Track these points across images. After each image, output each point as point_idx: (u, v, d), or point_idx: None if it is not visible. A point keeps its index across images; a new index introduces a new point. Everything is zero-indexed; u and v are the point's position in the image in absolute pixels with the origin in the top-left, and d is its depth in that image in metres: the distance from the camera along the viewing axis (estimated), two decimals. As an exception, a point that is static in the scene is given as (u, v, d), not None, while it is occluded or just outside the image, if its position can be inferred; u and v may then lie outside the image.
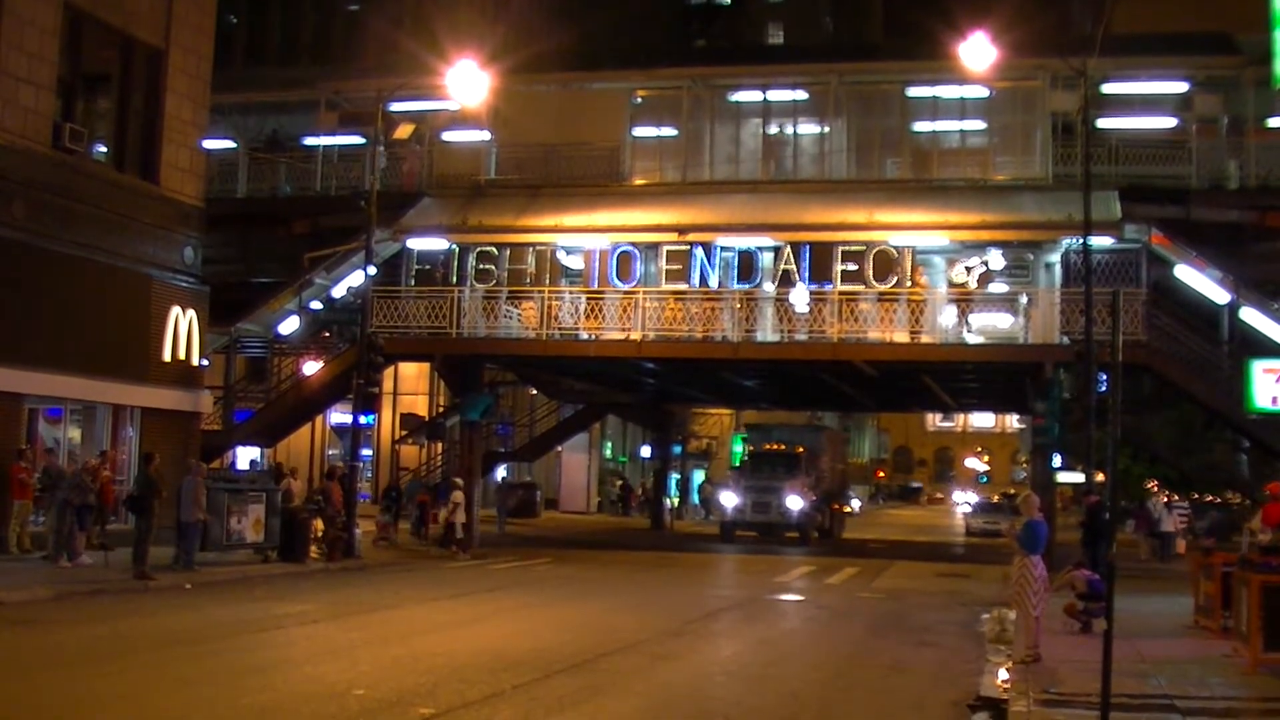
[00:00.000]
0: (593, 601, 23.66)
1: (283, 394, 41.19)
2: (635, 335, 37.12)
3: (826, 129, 40.68)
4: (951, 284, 36.57)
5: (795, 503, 43.96)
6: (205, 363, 33.28)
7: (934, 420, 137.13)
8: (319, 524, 29.96)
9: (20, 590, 20.42)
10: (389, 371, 44.68)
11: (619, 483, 68.67)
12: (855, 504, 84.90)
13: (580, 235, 38.36)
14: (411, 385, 55.11)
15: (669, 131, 41.95)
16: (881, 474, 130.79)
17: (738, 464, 51.16)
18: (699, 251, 37.19)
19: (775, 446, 48.52)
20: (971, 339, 36.50)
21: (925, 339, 36.17)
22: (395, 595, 23.68)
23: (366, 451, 44.73)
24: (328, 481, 31.74)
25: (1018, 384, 39.94)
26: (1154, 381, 37.00)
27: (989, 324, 36.88)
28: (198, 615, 19.46)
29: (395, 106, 39.15)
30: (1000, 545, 39.70)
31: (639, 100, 42.20)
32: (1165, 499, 46.16)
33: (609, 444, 73.07)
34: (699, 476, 72.38)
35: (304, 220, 41.66)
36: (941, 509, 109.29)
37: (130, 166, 29.85)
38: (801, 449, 47.21)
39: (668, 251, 37.53)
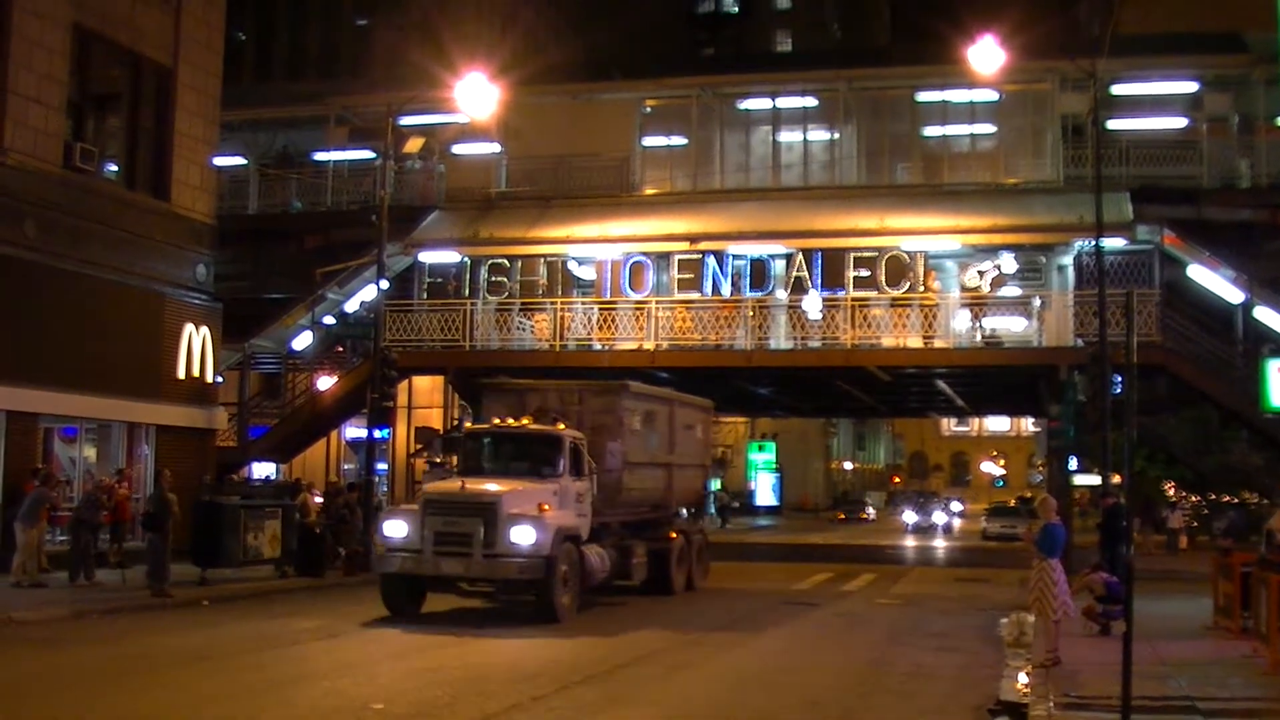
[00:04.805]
0: (608, 611, 23.61)
1: (297, 409, 41.21)
2: (649, 345, 37.13)
3: (836, 135, 40.68)
4: (964, 288, 36.51)
5: (525, 534, 21.21)
6: (219, 379, 33.35)
7: (949, 425, 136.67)
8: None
9: (39, 609, 20.44)
10: (403, 385, 44.64)
11: None
12: (870, 511, 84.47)
13: (592, 246, 38.39)
14: (426, 399, 55.06)
15: (679, 140, 42.00)
16: (897, 479, 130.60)
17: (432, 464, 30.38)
18: (711, 260, 37.19)
19: (511, 423, 24.16)
20: (985, 343, 36.43)
21: (939, 343, 36.11)
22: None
23: (382, 466, 44.82)
24: (350, 494, 31.78)
25: (1032, 387, 39.88)
26: (1169, 382, 36.86)
27: (1002, 327, 36.82)
28: (216, 632, 19.47)
29: (405, 120, 39.19)
30: (1018, 549, 39.64)
31: (648, 110, 42.24)
32: (1178, 499, 46.14)
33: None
34: (714, 485, 72.22)
35: (315, 235, 41.79)
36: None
37: (141, 185, 29.94)
38: (564, 426, 23.95)
39: (680, 260, 37.54)
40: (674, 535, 27.50)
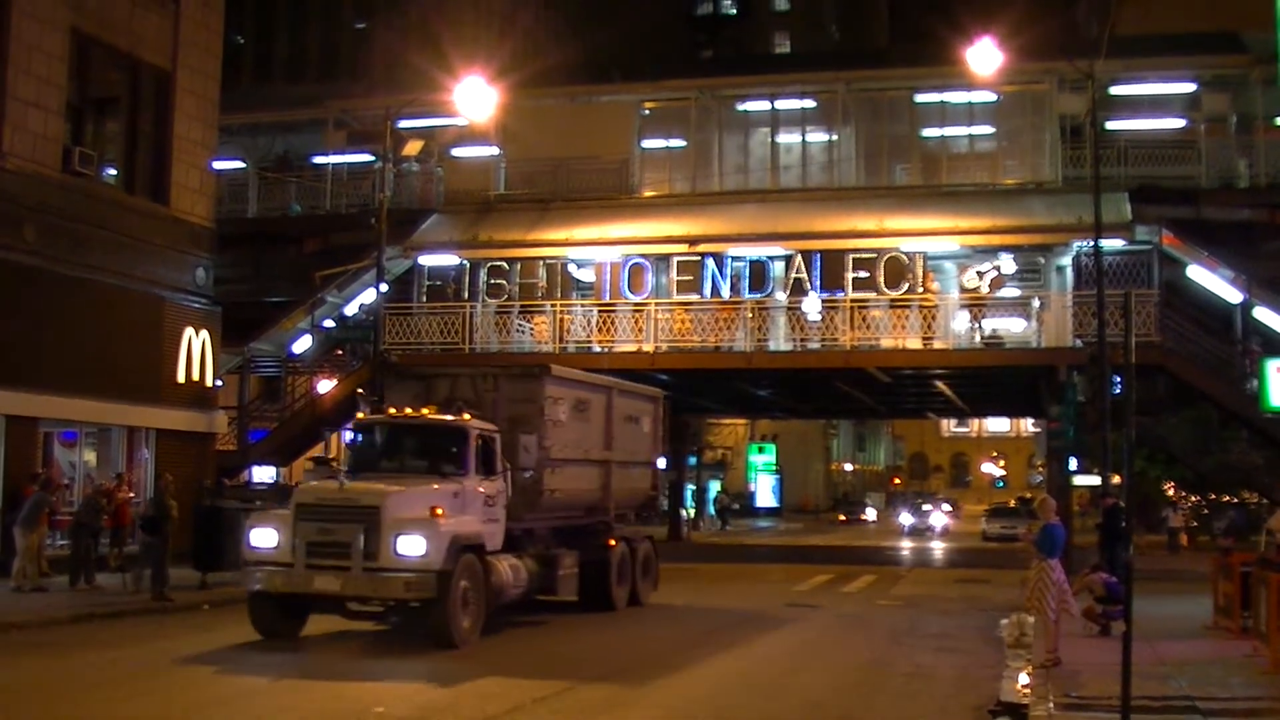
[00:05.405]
0: (610, 614, 23.57)
1: (297, 413, 41.17)
2: (648, 347, 37.16)
3: (835, 137, 40.71)
4: (963, 289, 36.55)
5: (413, 544, 17.68)
6: (219, 383, 33.33)
7: (949, 426, 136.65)
8: None
9: (40, 614, 20.43)
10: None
11: None
12: (871, 513, 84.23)
13: (591, 248, 38.44)
14: (425, 401, 55.09)
15: (678, 143, 42.04)
16: (897, 481, 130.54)
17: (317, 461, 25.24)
18: (710, 262, 37.22)
19: (409, 413, 20.59)
20: (984, 344, 36.46)
21: (938, 344, 36.15)
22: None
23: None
24: None
25: (1032, 388, 39.88)
26: (1169, 382, 36.89)
27: (1002, 328, 36.86)
28: (216, 635, 19.43)
29: (403, 123, 39.20)
30: (1017, 550, 39.63)
31: (647, 112, 42.27)
32: (1178, 499, 46.11)
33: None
34: (714, 487, 72.31)
35: (315, 239, 41.82)
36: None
37: (140, 189, 29.94)
38: (470, 416, 20.24)
39: (679, 263, 37.58)
40: (613, 543, 23.74)
